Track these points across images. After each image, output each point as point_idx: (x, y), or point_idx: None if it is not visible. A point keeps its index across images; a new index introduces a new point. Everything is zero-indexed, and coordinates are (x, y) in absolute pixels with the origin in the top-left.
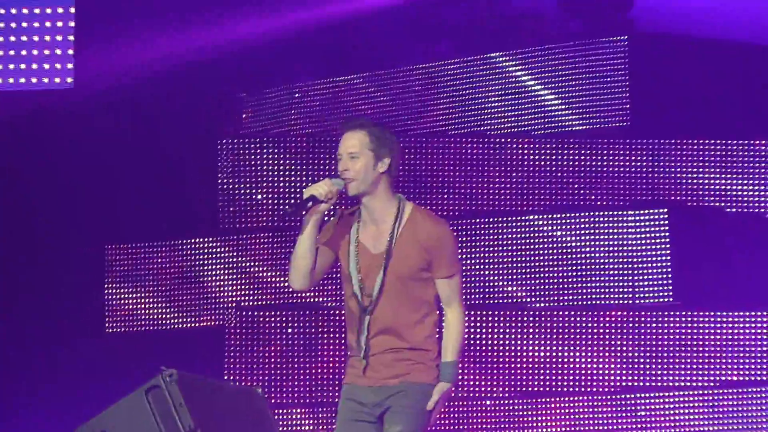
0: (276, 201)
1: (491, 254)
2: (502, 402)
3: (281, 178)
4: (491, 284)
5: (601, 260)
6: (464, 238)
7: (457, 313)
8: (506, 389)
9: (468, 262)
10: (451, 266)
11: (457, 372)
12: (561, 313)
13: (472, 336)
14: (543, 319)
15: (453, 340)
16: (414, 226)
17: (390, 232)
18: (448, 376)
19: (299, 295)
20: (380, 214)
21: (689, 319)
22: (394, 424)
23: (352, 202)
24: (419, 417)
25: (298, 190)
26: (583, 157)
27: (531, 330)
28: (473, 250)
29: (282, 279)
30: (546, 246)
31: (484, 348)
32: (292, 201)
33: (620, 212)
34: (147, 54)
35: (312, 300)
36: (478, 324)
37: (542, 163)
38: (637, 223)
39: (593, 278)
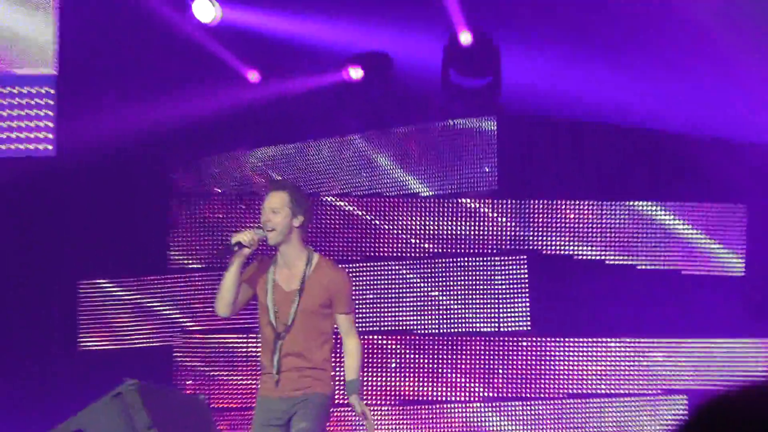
0: (212, 246)
1: (386, 291)
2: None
3: (218, 229)
4: (386, 314)
5: (474, 295)
6: (363, 278)
7: (355, 341)
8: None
9: (368, 297)
10: (349, 304)
11: (362, 385)
12: (443, 337)
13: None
14: (427, 341)
15: (355, 362)
16: (320, 271)
17: (301, 275)
18: (355, 390)
19: (226, 320)
20: (293, 259)
21: (541, 342)
22: (300, 422)
23: (270, 249)
24: (319, 419)
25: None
26: (460, 215)
27: (418, 351)
28: (375, 287)
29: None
30: (431, 283)
31: (379, 365)
32: (222, 246)
33: (488, 258)
34: (118, 124)
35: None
36: (373, 346)
37: (429, 218)
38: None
39: (467, 309)
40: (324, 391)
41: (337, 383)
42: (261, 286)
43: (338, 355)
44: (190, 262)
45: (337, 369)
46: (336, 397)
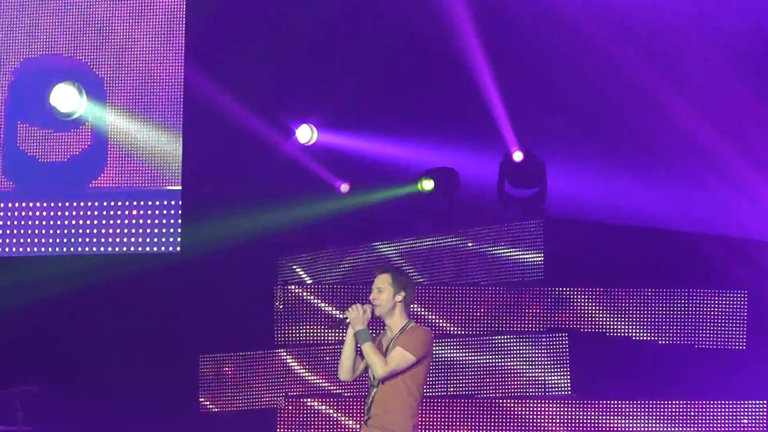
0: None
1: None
2: None
3: (312, 312)
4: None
5: (525, 365)
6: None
7: (387, 365)
8: None
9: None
10: (409, 344)
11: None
12: (501, 400)
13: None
14: (489, 403)
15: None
16: (405, 333)
17: (392, 339)
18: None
19: (320, 388)
20: (395, 329)
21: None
22: None
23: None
24: None
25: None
26: (514, 302)
27: (485, 413)
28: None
29: (318, 378)
30: (491, 355)
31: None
32: (337, 319)
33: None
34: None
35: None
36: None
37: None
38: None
39: (524, 377)
40: None
41: None
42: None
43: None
44: (292, 338)
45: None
46: None
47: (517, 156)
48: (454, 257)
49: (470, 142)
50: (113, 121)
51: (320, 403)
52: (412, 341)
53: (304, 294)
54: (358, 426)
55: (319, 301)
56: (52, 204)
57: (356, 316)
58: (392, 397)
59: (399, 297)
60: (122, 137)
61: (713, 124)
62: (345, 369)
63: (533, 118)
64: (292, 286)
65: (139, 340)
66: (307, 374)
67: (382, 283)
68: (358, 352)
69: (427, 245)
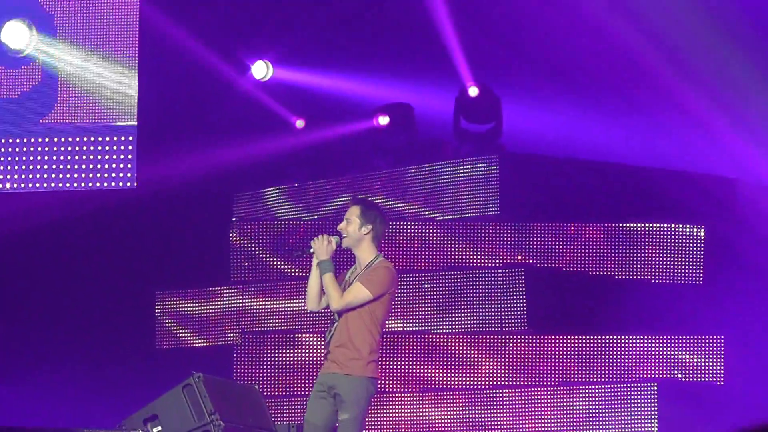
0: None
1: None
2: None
3: (271, 248)
4: (408, 316)
5: (480, 300)
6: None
7: (343, 298)
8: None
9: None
10: (366, 280)
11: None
12: (453, 335)
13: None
14: (441, 338)
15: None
16: (370, 269)
17: (360, 272)
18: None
19: (277, 323)
20: (362, 262)
21: (536, 339)
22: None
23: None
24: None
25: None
26: (470, 237)
27: (435, 346)
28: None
29: (274, 314)
30: (445, 291)
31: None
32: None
33: (491, 270)
34: (188, 164)
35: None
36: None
37: (442, 238)
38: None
39: (475, 311)
40: (355, 373)
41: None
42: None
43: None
44: (248, 275)
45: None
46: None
47: (473, 91)
48: (411, 192)
49: (426, 78)
50: (65, 57)
51: (276, 340)
52: (371, 279)
53: (260, 230)
54: (314, 362)
55: (275, 237)
56: (2, 140)
57: (320, 246)
58: (349, 331)
59: (365, 230)
60: (75, 73)
61: (670, 60)
62: (311, 298)
63: (488, 53)
64: (248, 222)
65: (94, 277)
66: (263, 311)
67: (351, 214)
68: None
69: (383, 180)
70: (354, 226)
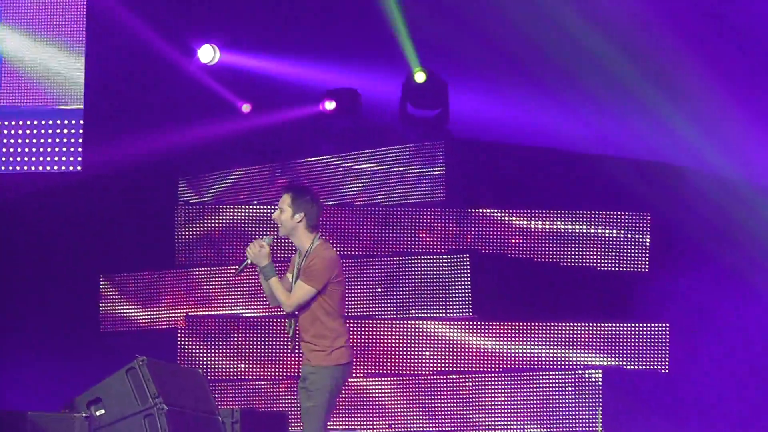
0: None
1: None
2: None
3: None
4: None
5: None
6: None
7: (290, 298)
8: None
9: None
10: (307, 275)
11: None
12: (399, 322)
13: None
14: (387, 325)
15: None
16: (310, 255)
17: (300, 262)
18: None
19: (220, 308)
20: (301, 249)
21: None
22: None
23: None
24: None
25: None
26: (415, 223)
27: (381, 333)
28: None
29: (218, 297)
30: (390, 277)
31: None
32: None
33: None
34: (134, 148)
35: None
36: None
37: (388, 223)
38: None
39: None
40: (320, 363)
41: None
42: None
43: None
44: (193, 258)
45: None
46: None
47: (419, 77)
48: (357, 178)
49: (372, 63)
50: (10, 40)
51: (220, 323)
52: (310, 273)
53: (205, 214)
54: (257, 346)
55: (220, 220)
56: None
57: (255, 253)
58: (306, 326)
59: (298, 217)
60: (20, 57)
61: (619, 47)
62: (272, 300)
63: (435, 39)
64: (193, 206)
65: (39, 261)
66: (207, 294)
67: (282, 203)
68: None
69: (329, 166)
70: (287, 215)
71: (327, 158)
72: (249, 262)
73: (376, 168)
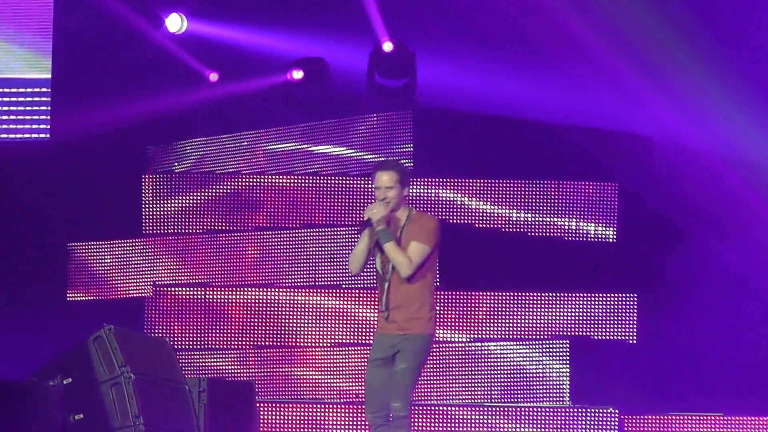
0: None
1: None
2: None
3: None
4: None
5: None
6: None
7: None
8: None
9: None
10: (422, 236)
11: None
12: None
13: None
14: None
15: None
16: (413, 223)
17: (400, 229)
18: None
19: (188, 276)
20: (399, 221)
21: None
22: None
23: None
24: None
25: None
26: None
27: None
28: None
29: (186, 267)
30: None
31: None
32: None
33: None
34: (104, 117)
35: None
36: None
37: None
38: None
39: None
40: (417, 332)
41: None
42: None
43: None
44: (160, 227)
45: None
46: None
47: (387, 46)
48: (324, 147)
49: (340, 32)
50: None
51: (188, 292)
52: (424, 232)
53: (173, 183)
54: (224, 314)
55: (188, 189)
56: None
57: (379, 214)
58: (410, 291)
59: (405, 191)
60: None
61: (588, 18)
62: (359, 264)
63: (403, 7)
64: (161, 175)
65: (6, 228)
66: (175, 264)
67: (390, 181)
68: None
69: (297, 135)
70: (396, 192)
71: (295, 127)
72: (368, 220)
73: (343, 137)
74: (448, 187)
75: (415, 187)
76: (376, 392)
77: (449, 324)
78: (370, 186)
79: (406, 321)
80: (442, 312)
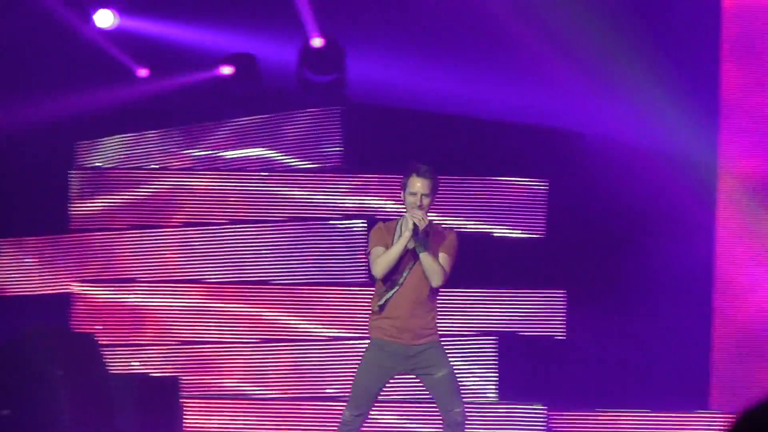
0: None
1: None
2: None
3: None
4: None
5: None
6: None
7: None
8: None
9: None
10: (449, 248)
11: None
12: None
13: None
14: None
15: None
16: (437, 234)
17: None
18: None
19: (115, 274)
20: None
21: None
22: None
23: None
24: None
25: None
26: (313, 187)
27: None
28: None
29: (112, 263)
30: (285, 243)
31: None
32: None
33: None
34: (29, 113)
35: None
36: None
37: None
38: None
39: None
40: (430, 341)
41: None
42: (390, 244)
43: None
44: (88, 224)
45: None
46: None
47: (316, 42)
48: (255, 142)
49: (271, 28)
50: None
51: (113, 289)
52: (452, 245)
53: (101, 179)
54: (151, 311)
55: (116, 185)
56: None
57: (425, 222)
58: (425, 299)
59: (433, 197)
60: None
61: (520, 13)
62: (388, 269)
63: (334, 3)
64: (89, 171)
65: None
66: (102, 260)
67: (428, 189)
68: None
69: (227, 131)
70: (430, 199)
71: (225, 123)
72: (420, 229)
73: (274, 133)
74: (379, 183)
75: (343, 182)
76: (371, 397)
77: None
78: (299, 181)
79: (423, 329)
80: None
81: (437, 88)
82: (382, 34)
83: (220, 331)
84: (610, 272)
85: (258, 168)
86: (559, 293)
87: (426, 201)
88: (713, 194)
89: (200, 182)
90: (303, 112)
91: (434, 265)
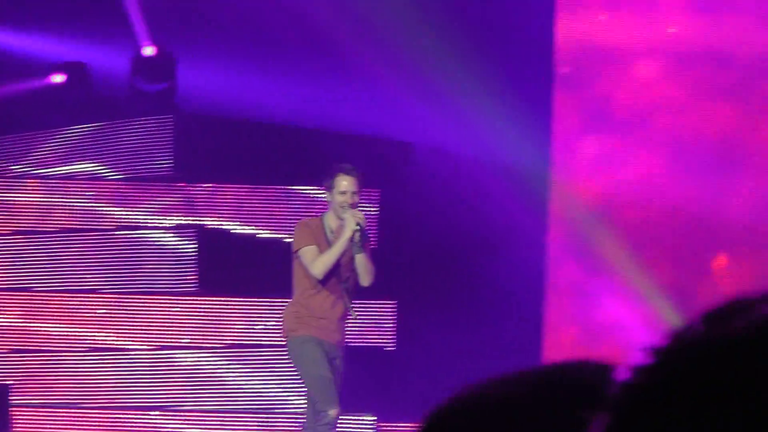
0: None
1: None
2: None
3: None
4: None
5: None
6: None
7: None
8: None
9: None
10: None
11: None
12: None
13: None
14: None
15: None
16: None
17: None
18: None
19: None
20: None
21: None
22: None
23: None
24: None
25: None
26: (142, 197)
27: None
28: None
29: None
30: (115, 251)
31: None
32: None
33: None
34: None
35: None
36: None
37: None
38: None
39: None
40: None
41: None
42: (321, 243)
43: None
44: None
45: None
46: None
47: (148, 50)
48: (86, 151)
49: (102, 35)
50: None
51: None
52: (368, 247)
53: None
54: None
55: None
56: None
57: (364, 222)
58: (346, 304)
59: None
60: None
61: (346, 22)
62: (329, 269)
63: (164, 12)
64: None
65: None
66: None
67: (355, 186)
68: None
69: (58, 139)
70: (357, 197)
71: (56, 131)
72: (360, 227)
73: (105, 141)
74: (207, 193)
75: (174, 192)
76: (334, 385)
77: (206, 329)
78: (130, 189)
79: (342, 329)
80: (200, 317)
81: (270, 97)
82: (213, 43)
83: (48, 340)
84: (441, 283)
85: (88, 177)
86: (390, 304)
87: (356, 198)
88: (545, 205)
89: (29, 191)
90: (134, 121)
91: (369, 265)
